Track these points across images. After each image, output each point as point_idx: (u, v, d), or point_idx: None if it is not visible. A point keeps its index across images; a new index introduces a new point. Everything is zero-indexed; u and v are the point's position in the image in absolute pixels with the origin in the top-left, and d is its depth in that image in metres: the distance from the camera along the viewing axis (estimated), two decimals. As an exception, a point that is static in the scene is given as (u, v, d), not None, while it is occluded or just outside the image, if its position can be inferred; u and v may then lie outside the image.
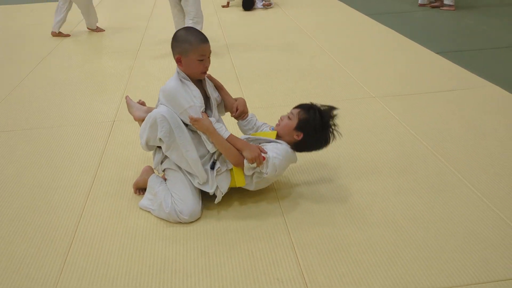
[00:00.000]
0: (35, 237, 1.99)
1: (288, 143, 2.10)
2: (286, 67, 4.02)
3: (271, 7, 6.39)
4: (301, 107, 2.14)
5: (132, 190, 2.28)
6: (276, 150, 2.04)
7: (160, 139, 2.00)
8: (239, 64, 4.15)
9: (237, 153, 1.99)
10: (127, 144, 2.75)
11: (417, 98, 3.25)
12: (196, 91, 2.03)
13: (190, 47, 1.98)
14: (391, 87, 3.46)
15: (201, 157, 2.04)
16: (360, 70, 3.84)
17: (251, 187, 2.11)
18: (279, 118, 2.17)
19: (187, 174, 2.06)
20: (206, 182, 2.05)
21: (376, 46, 4.51)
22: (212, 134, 1.99)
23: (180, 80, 2.03)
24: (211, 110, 2.12)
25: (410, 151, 2.56)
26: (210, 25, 5.50)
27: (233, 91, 3.47)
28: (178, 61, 2.02)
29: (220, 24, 5.62)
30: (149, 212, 2.11)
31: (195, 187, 2.06)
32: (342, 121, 2.86)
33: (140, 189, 2.27)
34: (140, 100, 2.39)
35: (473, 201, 2.11)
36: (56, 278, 1.77)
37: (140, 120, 2.26)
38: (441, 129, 2.78)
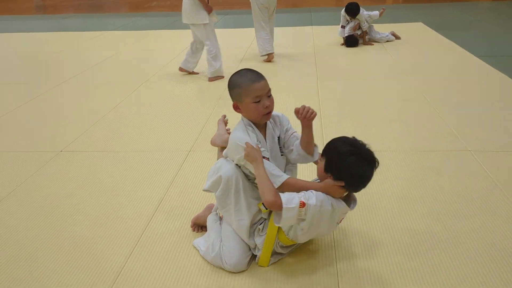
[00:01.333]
0: (85, 265, 2.02)
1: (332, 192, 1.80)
2: (373, 109, 3.78)
3: (391, 40, 6.24)
4: (325, 147, 1.86)
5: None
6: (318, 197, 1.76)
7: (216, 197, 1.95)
8: (326, 99, 3.99)
9: (275, 193, 1.74)
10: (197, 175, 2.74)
11: (521, 156, 2.84)
12: (255, 139, 1.88)
13: (241, 90, 1.86)
14: (493, 141, 3.07)
15: (254, 222, 1.92)
16: (459, 119, 3.47)
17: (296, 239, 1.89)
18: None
19: None
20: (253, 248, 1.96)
21: (483, 93, 4.08)
22: (258, 165, 1.78)
23: (245, 127, 1.91)
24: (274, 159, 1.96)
25: (504, 224, 2.20)
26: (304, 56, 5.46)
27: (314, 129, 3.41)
28: (236, 108, 1.91)
29: (315, 59, 5.53)
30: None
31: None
32: (426, 176, 2.63)
33: (198, 226, 2.22)
34: (225, 119, 2.36)
35: None
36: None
37: (215, 146, 2.29)
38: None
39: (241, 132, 1.88)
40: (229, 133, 2.24)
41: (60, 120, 3.79)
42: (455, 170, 2.71)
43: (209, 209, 2.24)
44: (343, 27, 6.17)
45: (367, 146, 1.78)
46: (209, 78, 4.78)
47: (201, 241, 2.08)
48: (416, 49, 5.81)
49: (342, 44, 6.20)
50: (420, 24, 7.39)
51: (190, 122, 3.64)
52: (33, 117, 3.91)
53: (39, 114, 3.99)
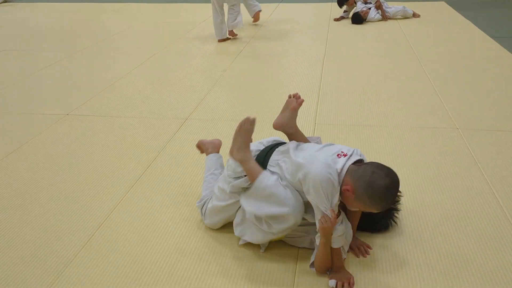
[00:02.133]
0: (71, 214, 2.21)
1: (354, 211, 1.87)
2: (375, 86, 3.82)
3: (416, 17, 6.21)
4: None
5: (175, 189, 2.40)
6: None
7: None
8: (327, 77, 4.05)
9: (329, 264, 1.77)
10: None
11: (509, 136, 2.86)
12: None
13: (368, 204, 1.65)
14: (484, 120, 3.09)
15: None
16: (457, 98, 3.49)
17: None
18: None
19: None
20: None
21: (487, 74, 4.05)
22: (327, 241, 1.71)
23: (338, 185, 1.67)
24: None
25: (476, 205, 2.27)
26: (317, 33, 5.49)
27: (309, 105, 3.52)
28: (346, 190, 1.66)
29: (328, 35, 5.54)
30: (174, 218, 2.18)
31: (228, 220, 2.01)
32: (408, 151, 2.69)
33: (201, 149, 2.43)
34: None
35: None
36: (75, 253, 1.94)
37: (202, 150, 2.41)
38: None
39: (335, 193, 1.67)
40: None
41: (70, 86, 4.00)
42: (439, 146, 2.76)
43: (214, 145, 2.37)
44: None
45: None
46: (229, 31, 5.36)
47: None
48: (431, 28, 5.73)
49: (337, 20, 6.24)
50: (442, 3, 7.24)
51: (193, 92, 3.78)
52: (46, 83, 4.14)
53: (52, 80, 4.21)
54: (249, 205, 1.80)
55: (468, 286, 1.72)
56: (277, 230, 1.76)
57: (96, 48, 5.24)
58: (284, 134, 2.04)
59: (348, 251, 1.87)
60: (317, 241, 1.74)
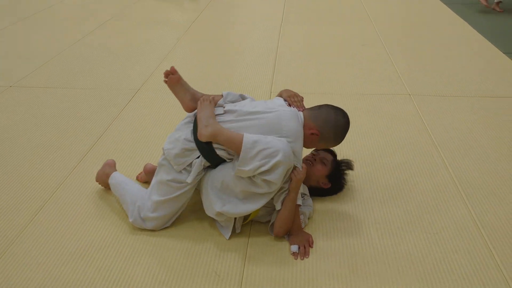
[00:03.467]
0: (16, 189, 2.11)
1: (308, 186, 1.97)
2: (332, 53, 3.81)
3: None
4: (334, 156, 2.03)
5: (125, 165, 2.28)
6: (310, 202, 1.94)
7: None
8: (284, 45, 4.00)
9: (291, 223, 1.77)
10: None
11: (458, 101, 2.92)
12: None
13: (331, 141, 1.87)
14: (435, 86, 3.14)
15: None
16: (410, 65, 3.52)
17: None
18: (311, 156, 2.00)
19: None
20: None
21: (443, 41, 4.09)
22: (296, 195, 1.75)
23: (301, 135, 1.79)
24: None
25: (419, 160, 2.32)
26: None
27: (264, 74, 3.49)
28: (313, 134, 1.80)
29: (285, 1, 5.45)
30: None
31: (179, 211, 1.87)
32: (356, 118, 2.69)
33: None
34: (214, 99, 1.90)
35: (465, 225, 1.87)
36: (20, 230, 1.86)
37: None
38: (466, 140, 2.48)
39: (300, 148, 1.78)
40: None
41: (15, 56, 3.78)
42: (390, 113, 2.80)
43: (108, 166, 2.07)
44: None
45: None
46: None
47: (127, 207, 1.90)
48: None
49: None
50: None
51: (144, 63, 3.65)
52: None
53: (-4, 50, 3.97)
54: (242, 172, 1.68)
55: (413, 245, 1.77)
56: (275, 181, 1.66)
57: (45, 14, 4.95)
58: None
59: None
60: (278, 205, 1.75)
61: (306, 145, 1.84)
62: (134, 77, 3.34)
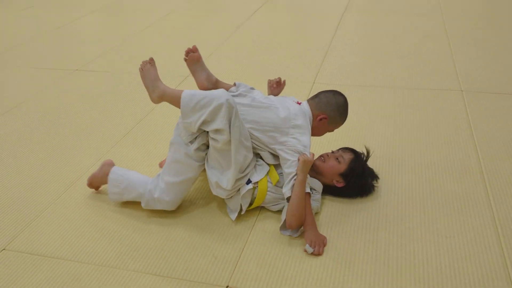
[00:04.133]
0: (52, 164, 2.32)
1: (323, 183, 1.94)
2: (389, 44, 3.67)
3: None
4: (354, 153, 1.97)
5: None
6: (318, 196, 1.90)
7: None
8: (341, 33, 3.91)
9: (304, 216, 1.75)
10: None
11: (514, 100, 2.69)
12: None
13: (339, 121, 1.96)
14: (492, 83, 2.91)
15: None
16: (472, 59, 3.29)
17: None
18: (326, 153, 1.97)
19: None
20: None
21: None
22: (305, 179, 1.75)
23: (309, 121, 1.89)
24: None
25: (453, 161, 2.18)
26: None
27: (310, 64, 3.45)
28: (322, 119, 1.90)
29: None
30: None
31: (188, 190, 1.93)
32: (400, 113, 2.57)
33: (95, 187, 2.09)
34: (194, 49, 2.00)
35: (483, 233, 1.74)
36: (50, 203, 2.05)
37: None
38: (511, 144, 2.29)
39: (308, 136, 1.84)
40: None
41: (82, 42, 4.10)
42: (435, 109, 2.65)
43: (107, 165, 2.03)
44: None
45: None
46: None
47: (116, 190, 1.94)
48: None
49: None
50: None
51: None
52: (66, 38, 4.26)
53: (64, 36, 4.33)
54: (187, 126, 1.74)
55: (420, 247, 1.68)
56: (222, 127, 1.66)
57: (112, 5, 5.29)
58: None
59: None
60: (287, 191, 1.75)
61: (319, 132, 1.96)
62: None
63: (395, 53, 3.48)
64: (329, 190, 1.96)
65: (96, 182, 2.06)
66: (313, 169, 1.90)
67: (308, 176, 1.81)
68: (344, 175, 1.91)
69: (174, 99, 1.77)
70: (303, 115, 1.86)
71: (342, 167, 1.91)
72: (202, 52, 2.06)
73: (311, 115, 1.90)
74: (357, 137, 2.39)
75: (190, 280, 1.60)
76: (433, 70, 3.15)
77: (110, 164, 2.04)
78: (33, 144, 2.51)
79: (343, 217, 1.87)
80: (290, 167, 1.76)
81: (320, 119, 1.90)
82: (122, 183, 1.93)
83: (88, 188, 2.10)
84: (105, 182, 2.01)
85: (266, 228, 1.83)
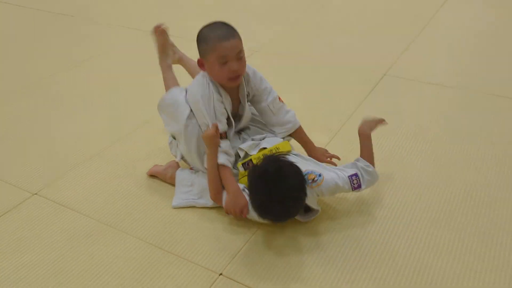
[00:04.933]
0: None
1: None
2: (503, 37, 3.26)
3: None
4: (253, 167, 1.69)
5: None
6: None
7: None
8: (446, 13, 3.56)
9: (220, 188, 1.69)
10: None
11: None
12: (219, 106, 1.69)
13: (207, 47, 1.63)
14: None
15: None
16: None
17: None
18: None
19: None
20: None
21: None
22: (211, 154, 1.67)
23: (208, 84, 1.69)
24: (232, 127, 1.78)
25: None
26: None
27: (388, 50, 3.16)
28: (201, 65, 1.70)
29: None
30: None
31: None
32: (470, 119, 2.27)
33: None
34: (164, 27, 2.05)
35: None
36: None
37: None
38: None
39: (198, 86, 1.71)
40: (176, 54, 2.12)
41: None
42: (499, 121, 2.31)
43: (172, 167, 1.96)
44: None
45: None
46: None
47: (181, 196, 1.85)
48: None
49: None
50: None
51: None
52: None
53: None
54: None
55: (431, 252, 1.51)
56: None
57: None
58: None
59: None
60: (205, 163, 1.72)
61: (218, 74, 1.65)
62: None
63: (505, 51, 3.03)
64: None
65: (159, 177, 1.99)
66: None
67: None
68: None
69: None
70: (195, 84, 1.75)
71: None
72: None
73: (205, 73, 1.72)
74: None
75: (187, 259, 1.60)
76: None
77: (175, 167, 1.96)
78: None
79: (352, 216, 1.73)
80: None
81: (201, 65, 1.70)
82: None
83: (126, 147, 2.20)
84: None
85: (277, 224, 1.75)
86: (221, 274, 1.54)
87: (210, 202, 1.77)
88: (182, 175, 1.88)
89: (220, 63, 1.62)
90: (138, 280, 1.52)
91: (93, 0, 4.29)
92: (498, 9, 3.74)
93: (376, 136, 1.83)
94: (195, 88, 1.73)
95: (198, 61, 1.70)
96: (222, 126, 1.69)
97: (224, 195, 1.69)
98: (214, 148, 1.66)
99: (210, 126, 1.66)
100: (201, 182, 1.80)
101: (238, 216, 1.66)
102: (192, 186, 1.83)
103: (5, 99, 2.69)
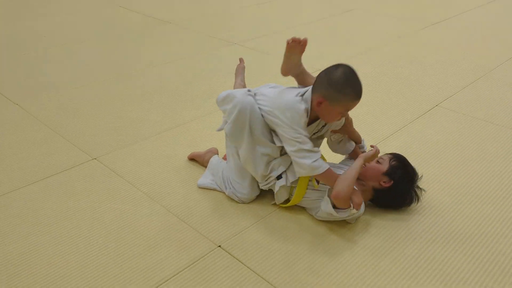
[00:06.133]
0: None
1: (371, 188, 1.91)
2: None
3: None
4: (393, 154, 1.94)
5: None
6: None
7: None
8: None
9: (350, 191, 1.75)
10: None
11: None
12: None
13: (340, 97, 1.69)
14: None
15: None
16: None
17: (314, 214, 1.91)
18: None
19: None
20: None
21: None
22: (359, 164, 1.81)
23: (304, 114, 1.75)
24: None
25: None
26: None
27: (450, 80, 3.21)
28: (318, 104, 1.72)
29: None
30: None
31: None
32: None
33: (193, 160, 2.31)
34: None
35: None
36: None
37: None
38: None
39: (297, 120, 1.75)
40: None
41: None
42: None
43: (211, 152, 2.24)
44: None
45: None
46: None
47: (208, 181, 2.10)
48: None
49: None
50: None
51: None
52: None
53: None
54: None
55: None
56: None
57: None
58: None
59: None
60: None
61: (328, 117, 1.77)
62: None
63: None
64: (378, 197, 1.92)
65: (198, 161, 2.29)
66: (358, 178, 1.89)
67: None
68: (388, 174, 1.86)
69: None
70: (291, 93, 1.79)
71: (385, 166, 1.89)
72: None
73: (309, 102, 1.75)
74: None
75: (195, 228, 1.85)
76: None
77: (214, 152, 2.24)
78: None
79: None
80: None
81: (319, 103, 1.71)
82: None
83: (192, 132, 2.55)
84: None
85: (291, 211, 1.94)
86: (219, 246, 1.77)
87: (228, 191, 2.01)
88: (214, 162, 2.15)
89: (340, 113, 1.74)
90: (150, 237, 1.81)
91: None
92: None
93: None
94: (287, 102, 1.77)
95: (319, 102, 1.71)
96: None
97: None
98: (363, 162, 1.82)
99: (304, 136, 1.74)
100: (224, 175, 2.03)
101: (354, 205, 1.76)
102: (214, 176, 2.08)
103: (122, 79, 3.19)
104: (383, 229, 1.86)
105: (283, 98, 1.80)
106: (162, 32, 4.26)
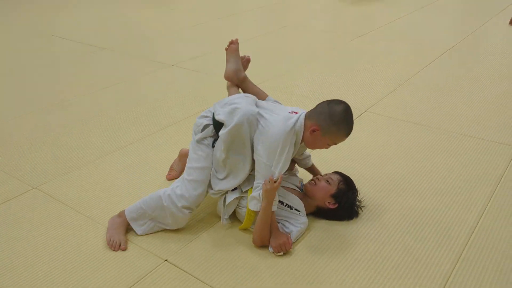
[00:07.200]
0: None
1: (316, 206, 2.01)
2: (478, 87, 3.45)
3: None
4: (342, 176, 2.03)
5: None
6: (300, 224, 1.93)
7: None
8: (431, 68, 3.78)
9: (268, 235, 1.85)
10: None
11: None
12: (290, 155, 1.84)
13: (334, 131, 1.81)
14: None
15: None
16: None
17: None
18: (315, 177, 2.05)
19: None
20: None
21: None
22: (269, 205, 1.80)
23: (294, 134, 1.82)
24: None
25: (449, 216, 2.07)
26: None
27: (377, 93, 3.44)
28: (314, 130, 1.81)
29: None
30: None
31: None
32: (431, 155, 2.42)
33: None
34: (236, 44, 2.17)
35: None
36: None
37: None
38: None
39: (286, 132, 1.80)
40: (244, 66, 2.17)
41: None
42: (471, 159, 2.49)
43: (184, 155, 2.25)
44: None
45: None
46: None
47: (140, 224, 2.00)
48: None
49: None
50: None
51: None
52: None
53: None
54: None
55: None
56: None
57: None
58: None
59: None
60: (250, 204, 1.83)
61: (314, 145, 1.87)
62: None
63: (477, 98, 3.26)
64: (320, 213, 2.03)
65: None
66: (305, 193, 2.02)
67: (285, 191, 1.95)
68: (335, 196, 1.96)
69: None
70: (282, 122, 1.80)
71: (333, 188, 1.97)
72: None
73: (301, 126, 1.82)
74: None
75: (139, 245, 1.90)
76: (502, 122, 2.91)
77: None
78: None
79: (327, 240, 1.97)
80: (256, 188, 1.82)
81: (312, 131, 1.81)
82: (151, 210, 1.97)
83: (135, 154, 2.58)
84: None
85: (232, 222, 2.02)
86: (166, 260, 1.82)
87: (168, 210, 1.92)
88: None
89: (328, 144, 1.87)
90: (97, 259, 1.84)
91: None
92: None
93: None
94: (282, 131, 1.80)
95: (314, 129, 1.81)
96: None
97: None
98: (272, 199, 1.80)
99: (276, 175, 1.78)
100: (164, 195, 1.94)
101: (286, 246, 1.83)
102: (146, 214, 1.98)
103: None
104: (319, 230, 1.99)
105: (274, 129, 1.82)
106: (98, 59, 4.27)
